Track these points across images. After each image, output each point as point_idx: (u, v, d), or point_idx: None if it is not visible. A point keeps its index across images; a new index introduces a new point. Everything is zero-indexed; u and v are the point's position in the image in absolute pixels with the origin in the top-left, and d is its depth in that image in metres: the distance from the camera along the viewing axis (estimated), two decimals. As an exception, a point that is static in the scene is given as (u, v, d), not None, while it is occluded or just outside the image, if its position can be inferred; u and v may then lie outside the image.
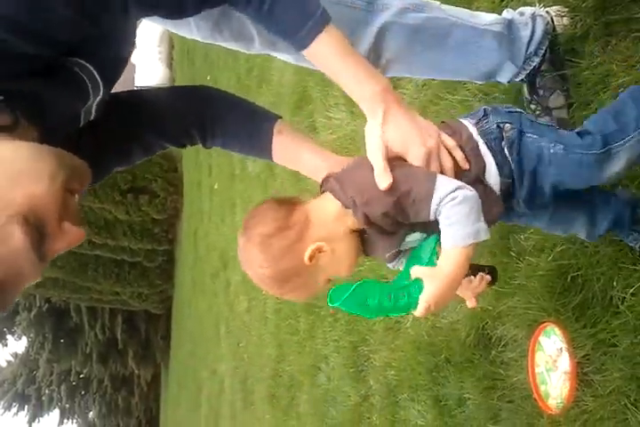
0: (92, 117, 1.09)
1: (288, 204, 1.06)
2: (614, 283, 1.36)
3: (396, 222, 1.01)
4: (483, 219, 0.97)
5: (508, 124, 1.08)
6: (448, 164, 1.05)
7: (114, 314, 14.77)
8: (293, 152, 1.22)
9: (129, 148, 1.24)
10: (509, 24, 1.48)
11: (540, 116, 1.51)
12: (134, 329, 15.20)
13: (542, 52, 1.49)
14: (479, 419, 1.76)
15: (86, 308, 14.34)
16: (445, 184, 0.98)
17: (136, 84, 10.73)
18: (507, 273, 1.71)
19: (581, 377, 1.40)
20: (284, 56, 1.46)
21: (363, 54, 1.36)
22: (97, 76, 1.04)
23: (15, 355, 18.99)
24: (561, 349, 1.44)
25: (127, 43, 1.11)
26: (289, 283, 1.04)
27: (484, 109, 1.12)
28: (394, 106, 1.06)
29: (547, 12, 1.54)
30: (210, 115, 1.23)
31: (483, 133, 1.08)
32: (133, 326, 15.16)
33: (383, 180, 1.00)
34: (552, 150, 1.06)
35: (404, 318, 2.31)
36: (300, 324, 3.58)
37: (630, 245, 1.30)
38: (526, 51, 1.48)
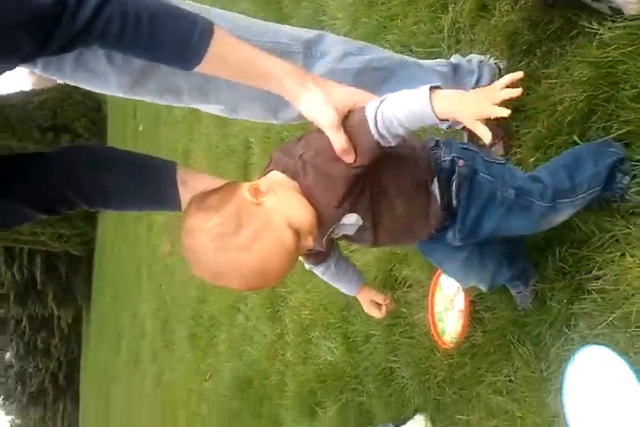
0: None
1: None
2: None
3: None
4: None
5: (462, 160, 1.05)
6: None
7: (32, 255, 14.35)
8: None
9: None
10: (455, 68, 1.48)
11: None
12: (54, 270, 14.86)
13: None
14: (382, 353, 1.88)
15: (3, 248, 13.86)
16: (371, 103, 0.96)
17: None
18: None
19: (474, 315, 1.52)
20: (216, 108, 1.39)
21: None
22: None
23: None
24: (458, 288, 1.55)
25: None
26: (245, 227, 0.92)
27: (437, 141, 1.08)
28: (316, 76, 1.05)
29: (495, 63, 1.55)
30: (97, 180, 1.15)
31: (434, 162, 1.06)
32: (53, 267, 14.80)
33: (349, 152, 0.96)
34: (504, 193, 1.06)
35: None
36: (221, 266, 3.62)
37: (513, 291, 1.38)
38: None
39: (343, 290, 1.29)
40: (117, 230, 9.22)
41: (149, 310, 6.04)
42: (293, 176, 0.98)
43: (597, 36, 1.25)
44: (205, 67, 0.99)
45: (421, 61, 1.50)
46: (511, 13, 1.58)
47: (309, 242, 0.99)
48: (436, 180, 1.05)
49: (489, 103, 0.88)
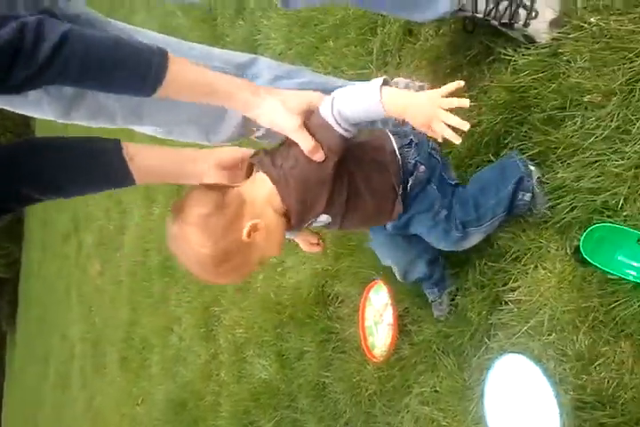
0: None
1: (219, 187, 1.08)
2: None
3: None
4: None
5: (422, 167, 1.16)
6: None
7: (-48, 278, 13.63)
8: (157, 169, 1.18)
9: None
10: None
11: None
12: (-24, 294, 14.15)
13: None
14: (315, 369, 1.90)
15: None
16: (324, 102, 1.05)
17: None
18: (345, 236, 1.85)
19: (402, 328, 1.57)
20: (150, 129, 1.42)
21: (231, 125, 1.40)
22: None
23: None
24: (387, 304, 1.60)
25: None
26: (228, 262, 1.04)
27: (411, 139, 1.17)
28: (265, 86, 1.11)
29: (420, 86, 1.61)
30: (43, 170, 1.13)
31: (400, 157, 1.16)
32: (-25, 290, 14.09)
33: (317, 151, 1.03)
34: (439, 210, 1.18)
35: (253, 279, 2.40)
36: (154, 286, 3.57)
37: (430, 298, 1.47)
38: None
39: None
40: (45, 250, 8.89)
41: (79, 332, 5.84)
42: (276, 183, 1.07)
43: (512, 63, 1.34)
44: (162, 93, 1.02)
45: (351, 84, 1.56)
46: (435, 38, 1.67)
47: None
48: (401, 184, 1.16)
49: (440, 111, 0.99)
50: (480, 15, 1.33)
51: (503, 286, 1.29)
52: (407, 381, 1.53)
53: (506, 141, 1.32)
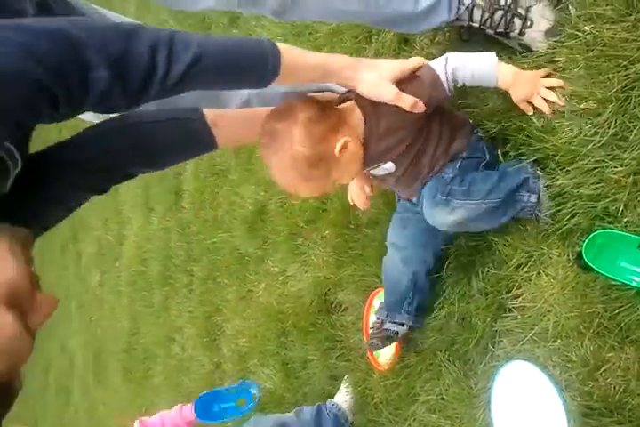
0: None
1: (324, 102, 1.21)
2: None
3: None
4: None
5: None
6: None
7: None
8: (238, 131, 1.29)
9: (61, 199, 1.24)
10: None
11: None
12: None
13: None
14: (320, 378, 1.91)
15: None
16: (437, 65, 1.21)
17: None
18: (347, 244, 1.85)
19: (406, 336, 1.57)
20: (87, 116, 1.43)
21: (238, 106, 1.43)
22: (16, 154, 1.01)
23: None
24: None
25: None
26: (316, 168, 1.17)
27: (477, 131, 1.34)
28: (364, 59, 1.20)
29: None
30: (143, 148, 1.22)
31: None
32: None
33: (417, 105, 1.18)
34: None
35: (255, 288, 2.41)
36: (154, 296, 3.57)
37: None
38: None
39: None
40: (43, 260, 8.88)
41: (79, 342, 5.82)
42: (365, 115, 1.21)
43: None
44: (279, 81, 1.09)
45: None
46: (430, 47, 1.67)
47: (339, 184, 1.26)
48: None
49: (542, 88, 1.19)
50: (476, 24, 1.35)
51: (507, 293, 1.30)
52: (413, 389, 1.53)
53: (505, 149, 1.33)
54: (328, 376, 1.91)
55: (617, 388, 1.08)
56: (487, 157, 1.30)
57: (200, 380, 2.85)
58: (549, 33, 1.26)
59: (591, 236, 1.11)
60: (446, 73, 1.19)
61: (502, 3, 1.30)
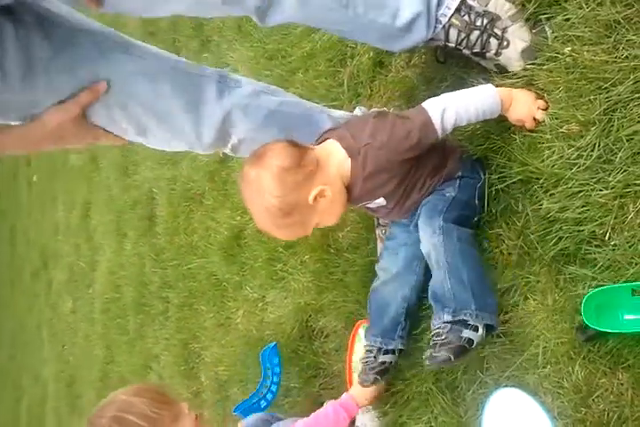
0: None
1: (300, 146, 1.19)
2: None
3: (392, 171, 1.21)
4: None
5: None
6: None
7: None
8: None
9: None
10: None
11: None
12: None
13: None
14: (303, 406, 1.85)
15: None
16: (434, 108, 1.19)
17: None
18: (327, 269, 1.82)
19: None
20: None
21: (211, 129, 1.39)
22: None
23: None
24: None
25: None
26: (289, 217, 1.16)
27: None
28: None
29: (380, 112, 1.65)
30: None
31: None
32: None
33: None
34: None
35: (234, 314, 2.35)
36: (129, 323, 3.48)
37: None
38: None
39: None
40: (13, 288, 8.67)
41: (52, 371, 5.66)
42: (351, 155, 1.19)
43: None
44: None
45: (328, 110, 1.55)
46: (406, 69, 1.67)
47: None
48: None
49: (539, 111, 1.18)
50: (452, 44, 1.34)
51: (494, 318, 1.28)
52: (401, 417, 1.49)
53: (488, 171, 1.32)
54: (311, 404, 1.86)
55: (611, 415, 1.06)
56: (482, 177, 1.30)
57: (178, 410, 2.76)
58: (525, 53, 1.26)
59: (585, 301, 1.06)
60: (442, 122, 1.17)
61: (478, 23, 1.30)
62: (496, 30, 1.29)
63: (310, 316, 1.90)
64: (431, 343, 1.17)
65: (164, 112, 1.35)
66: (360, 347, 1.61)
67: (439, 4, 1.29)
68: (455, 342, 1.13)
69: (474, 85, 1.36)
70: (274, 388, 1.82)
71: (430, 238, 1.21)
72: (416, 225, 1.28)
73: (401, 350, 1.42)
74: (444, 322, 1.15)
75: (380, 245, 1.60)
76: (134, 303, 3.37)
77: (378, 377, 1.42)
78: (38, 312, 6.53)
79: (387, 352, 1.41)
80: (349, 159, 1.19)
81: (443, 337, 1.14)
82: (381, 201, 1.28)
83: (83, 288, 4.56)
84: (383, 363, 1.41)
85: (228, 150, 1.51)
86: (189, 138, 1.42)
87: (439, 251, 1.20)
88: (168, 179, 3.13)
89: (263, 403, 1.82)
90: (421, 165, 1.24)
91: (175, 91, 1.34)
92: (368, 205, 1.31)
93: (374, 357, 1.41)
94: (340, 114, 1.56)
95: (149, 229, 3.25)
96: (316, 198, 1.16)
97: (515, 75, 1.28)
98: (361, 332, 1.62)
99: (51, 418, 5.55)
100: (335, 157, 1.20)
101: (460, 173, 1.29)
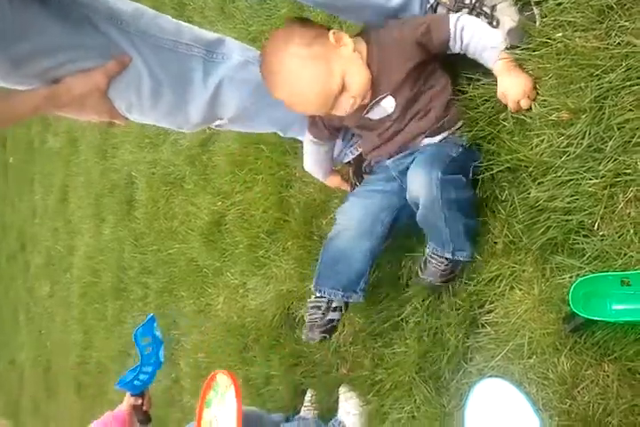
0: None
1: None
2: (402, 264, 1.49)
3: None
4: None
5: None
6: None
7: None
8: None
9: None
10: None
11: None
12: None
13: None
14: (284, 394, 1.84)
15: None
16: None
17: None
18: (310, 255, 1.79)
19: (376, 351, 1.52)
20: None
21: (199, 107, 1.36)
22: None
23: None
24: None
25: None
26: (310, 48, 1.20)
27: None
28: None
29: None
30: None
31: None
32: None
33: None
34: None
35: (214, 301, 2.32)
36: (107, 309, 3.43)
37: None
38: None
39: (316, 174, 1.61)
40: (-11, 271, 8.55)
41: (29, 356, 5.59)
42: (367, 41, 1.27)
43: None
44: None
45: None
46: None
47: (347, 104, 1.25)
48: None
49: (523, 99, 1.15)
50: None
51: (479, 307, 1.26)
52: (383, 407, 1.48)
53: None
54: (292, 393, 1.85)
55: (596, 407, 1.05)
56: (479, 158, 1.28)
57: (157, 396, 2.73)
58: (511, 34, 1.23)
59: (573, 288, 1.03)
60: (456, 26, 1.21)
61: (467, 1, 1.27)
62: (485, 8, 1.25)
63: (292, 303, 1.87)
64: (426, 265, 1.29)
65: (152, 93, 1.32)
66: (215, 398, 1.39)
67: None
68: (455, 273, 1.30)
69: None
70: (153, 360, 1.72)
71: (426, 186, 1.18)
72: (402, 171, 1.27)
73: (347, 306, 1.38)
74: (445, 258, 1.26)
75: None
76: (113, 289, 3.33)
77: (326, 335, 1.38)
78: (15, 296, 6.44)
79: (335, 309, 1.36)
80: (365, 44, 1.27)
81: (442, 268, 1.27)
82: (389, 104, 1.27)
83: (60, 273, 4.50)
84: (331, 321, 1.37)
85: (214, 127, 1.50)
86: (178, 119, 1.41)
87: (436, 203, 1.18)
88: (148, 162, 3.07)
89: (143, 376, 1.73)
90: (431, 78, 1.28)
91: (162, 72, 1.31)
92: (373, 116, 1.30)
93: (322, 313, 1.36)
94: None
95: (128, 214, 3.19)
96: (337, 41, 1.22)
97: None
98: (220, 380, 1.37)
99: (27, 402, 5.50)
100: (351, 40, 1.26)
101: (460, 142, 1.28)
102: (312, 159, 1.55)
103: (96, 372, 3.60)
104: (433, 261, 1.27)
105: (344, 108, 1.26)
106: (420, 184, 1.18)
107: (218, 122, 1.46)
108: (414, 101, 1.28)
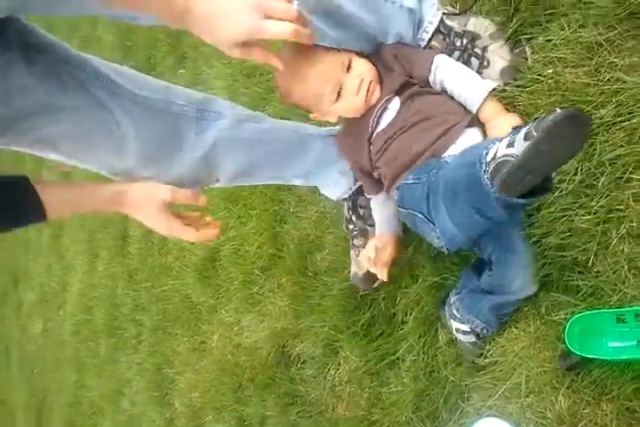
0: None
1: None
2: (396, 301, 1.47)
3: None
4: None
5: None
6: None
7: None
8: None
9: None
10: None
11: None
12: None
13: None
14: (279, 436, 1.80)
15: None
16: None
17: None
18: (305, 292, 1.77)
19: (372, 389, 1.49)
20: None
21: (192, 164, 1.33)
22: None
23: None
24: None
25: None
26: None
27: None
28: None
29: None
30: None
31: None
32: None
33: None
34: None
35: (208, 339, 2.29)
36: (100, 347, 3.38)
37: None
38: None
39: (383, 227, 1.39)
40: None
41: (21, 396, 5.48)
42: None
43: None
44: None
45: (313, 128, 1.51)
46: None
47: (361, 97, 1.23)
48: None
49: None
50: None
51: (475, 346, 1.24)
52: (380, 448, 1.45)
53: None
54: (288, 434, 1.80)
55: (596, 447, 1.03)
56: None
57: (151, 437, 2.68)
58: (504, 72, 1.25)
59: (568, 326, 1.03)
60: (436, 68, 1.23)
61: (458, 44, 1.28)
62: (477, 50, 1.27)
63: (287, 341, 1.84)
64: None
65: (145, 155, 1.29)
66: None
67: (419, 27, 1.28)
68: None
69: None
70: None
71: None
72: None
73: None
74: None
75: (353, 267, 1.56)
76: (106, 326, 3.28)
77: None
78: (6, 334, 6.35)
79: None
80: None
81: None
82: (396, 105, 1.24)
83: (54, 309, 4.45)
84: None
85: (215, 184, 1.46)
86: (172, 178, 1.33)
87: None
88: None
89: None
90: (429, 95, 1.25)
91: (152, 132, 1.27)
92: (383, 120, 1.26)
93: None
94: (326, 130, 1.52)
95: (122, 249, 3.17)
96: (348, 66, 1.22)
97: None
98: None
99: (19, 445, 5.37)
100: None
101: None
102: (382, 212, 1.40)
103: (89, 412, 3.52)
104: None
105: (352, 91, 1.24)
106: None
107: (216, 184, 1.43)
108: (415, 96, 1.26)
